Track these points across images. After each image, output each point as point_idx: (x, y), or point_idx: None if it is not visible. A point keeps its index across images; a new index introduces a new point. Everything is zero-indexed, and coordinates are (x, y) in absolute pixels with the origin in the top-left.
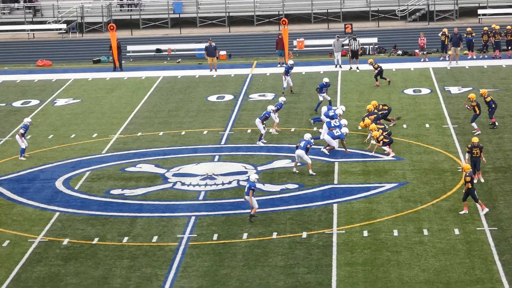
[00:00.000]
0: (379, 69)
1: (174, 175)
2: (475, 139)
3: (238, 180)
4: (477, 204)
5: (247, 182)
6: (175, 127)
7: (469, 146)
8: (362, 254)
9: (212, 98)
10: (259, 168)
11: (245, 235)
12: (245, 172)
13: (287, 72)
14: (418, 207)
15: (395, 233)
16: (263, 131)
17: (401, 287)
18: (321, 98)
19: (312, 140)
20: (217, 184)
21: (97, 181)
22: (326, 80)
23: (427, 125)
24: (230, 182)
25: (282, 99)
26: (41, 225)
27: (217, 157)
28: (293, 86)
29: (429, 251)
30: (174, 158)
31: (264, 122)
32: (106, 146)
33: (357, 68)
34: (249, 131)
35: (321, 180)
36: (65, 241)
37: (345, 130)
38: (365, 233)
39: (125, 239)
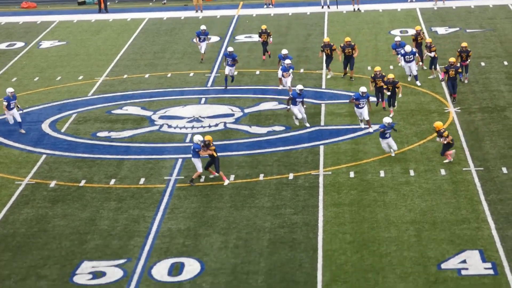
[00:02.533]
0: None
1: (161, 117)
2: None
3: (225, 123)
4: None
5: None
6: (161, 69)
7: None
8: (348, 195)
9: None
10: (246, 111)
11: (232, 177)
12: (232, 115)
13: (199, 38)
14: (405, 148)
15: (382, 174)
16: (299, 116)
17: (388, 227)
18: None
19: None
20: (204, 127)
21: (83, 123)
22: (230, 49)
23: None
24: (216, 125)
25: (284, 51)
26: (28, 168)
27: (203, 99)
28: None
29: (416, 191)
30: (160, 101)
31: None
32: (92, 88)
33: (359, 9)
34: (235, 73)
35: (307, 122)
36: (52, 183)
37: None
38: (352, 174)
39: (112, 181)
